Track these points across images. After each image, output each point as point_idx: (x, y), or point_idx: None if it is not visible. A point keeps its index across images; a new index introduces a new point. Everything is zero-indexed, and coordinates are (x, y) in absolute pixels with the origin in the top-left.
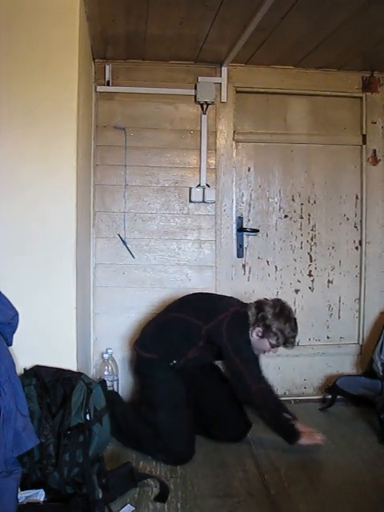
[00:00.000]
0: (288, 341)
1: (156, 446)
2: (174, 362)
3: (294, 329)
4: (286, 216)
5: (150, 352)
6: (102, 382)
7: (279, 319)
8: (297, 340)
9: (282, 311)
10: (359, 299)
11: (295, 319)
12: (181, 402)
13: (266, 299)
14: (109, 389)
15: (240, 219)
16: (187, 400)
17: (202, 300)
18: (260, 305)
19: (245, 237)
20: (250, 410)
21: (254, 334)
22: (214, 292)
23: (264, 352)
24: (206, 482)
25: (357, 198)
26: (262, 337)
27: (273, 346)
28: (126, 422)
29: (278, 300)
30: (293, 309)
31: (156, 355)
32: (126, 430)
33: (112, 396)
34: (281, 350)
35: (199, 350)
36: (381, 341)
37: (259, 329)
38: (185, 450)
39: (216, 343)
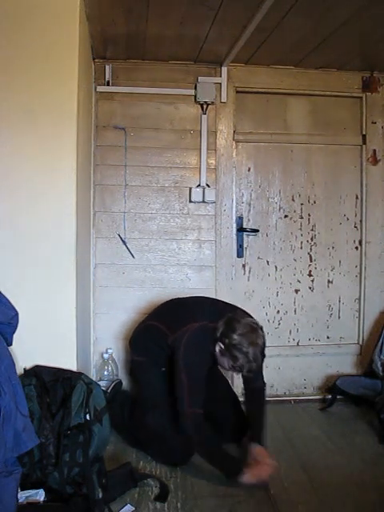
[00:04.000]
0: (242, 369)
1: (153, 449)
2: (163, 369)
3: (251, 360)
4: (286, 216)
5: (140, 355)
6: (119, 383)
7: (241, 345)
8: (253, 368)
9: (247, 337)
10: (359, 299)
11: (261, 347)
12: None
13: (241, 317)
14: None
15: (240, 219)
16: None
17: (176, 308)
18: (231, 322)
19: (245, 237)
20: None
21: (217, 348)
22: (213, 292)
23: (226, 369)
24: (206, 481)
25: (357, 197)
26: (222, 354)
27: (229, 369)
28: (130, 423)
29: (253, 324)
30: (261, 329)
31: (146, 358)
32: (129, 430)
33: (123, 396)
34: (279, 350)
35: None
36: (381, 341)
37: (221, 345)
38: (179, 452)
39: (174, 356)
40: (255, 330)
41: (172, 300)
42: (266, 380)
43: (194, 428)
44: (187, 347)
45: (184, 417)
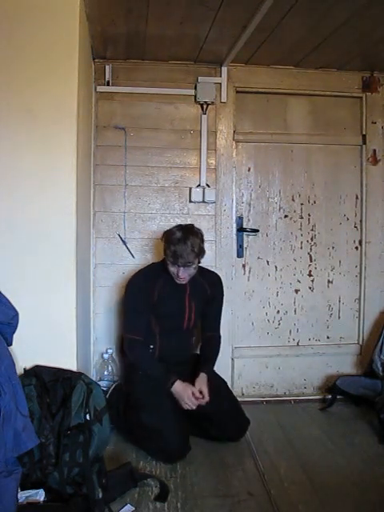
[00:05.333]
0: (176, 255)
1: (149, 446)
2: (151, 346)
3: (180, 243)
4: (286, 216)
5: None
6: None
7: (171, 233)
8: (180, 254)
9: (178, 228)
10: (359, 299)
11: (192, 235)
12: (162, 400)
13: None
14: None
15: (240, 219)
16: (170, 396)
17: None
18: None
19: (245, 237)
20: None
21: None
22: None
23: (173, 275)
24: (205, 481)
25: (357, 197)
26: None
27: (172, 267)
28: (125, 420)
29: (191, 225)
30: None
31: None
32: (125, 427)
33: (119, 392)
34: (279, 350)
35: (154, 320)
36: (381, 341)
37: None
38: (175, 447)
39: None
40: (187, 228)
41: None
42: (265, 380)
43: (129, 350)
44: (128, 282)
45: (124, 341)
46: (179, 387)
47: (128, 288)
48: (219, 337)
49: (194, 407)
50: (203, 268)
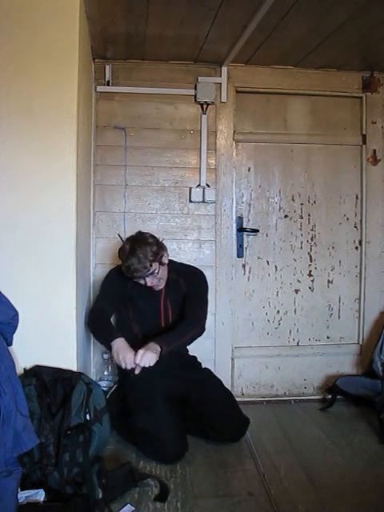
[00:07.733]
0: (130, 266)
1: (146, 448)
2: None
3: (129, 258)
4: (286, 216)
5: None
6: None
7: (124, 250)
8: (134, 268)
9: (129, 241)
10: (359, 299)
11: (139, 245)
12: (156, 403)
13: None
14: None
15: (240, 219)
16: (164, 398)
17: None
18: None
19: (245, 237)
20: None
21: None
22: (213, 292)
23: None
24: (206, 481)
25: (357, 197)
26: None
27: (130, 277)
28: (119, 423)
29: (138, 233)
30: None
31: None
32: (121, 428)
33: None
34: (279, 350)
35: (133, 322)
36: (381, 341)
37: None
38: (171, 449)
39: None
40: (135, 237)
41: None
42: (265, 380)
43: (91, 322)
44: (108, 272)
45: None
46: (120, 344)
47: (105, 277)
48: (197, 320)
49: (129, 367)
50: (182, 265)
